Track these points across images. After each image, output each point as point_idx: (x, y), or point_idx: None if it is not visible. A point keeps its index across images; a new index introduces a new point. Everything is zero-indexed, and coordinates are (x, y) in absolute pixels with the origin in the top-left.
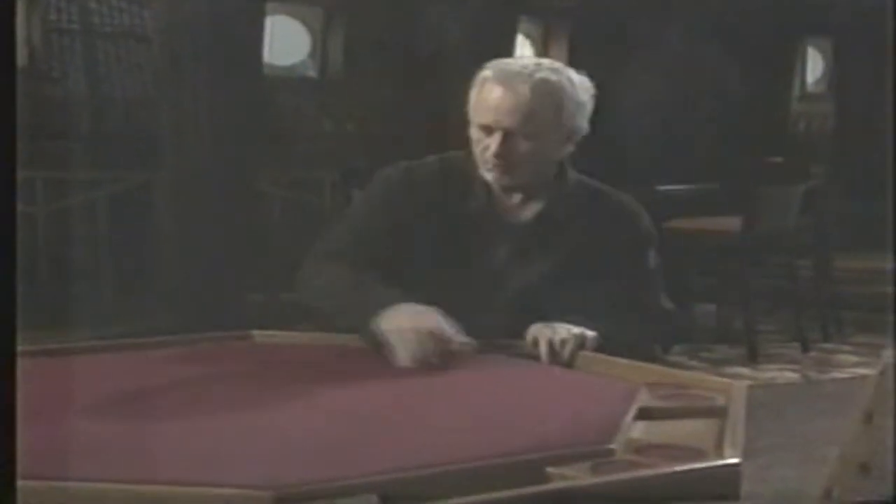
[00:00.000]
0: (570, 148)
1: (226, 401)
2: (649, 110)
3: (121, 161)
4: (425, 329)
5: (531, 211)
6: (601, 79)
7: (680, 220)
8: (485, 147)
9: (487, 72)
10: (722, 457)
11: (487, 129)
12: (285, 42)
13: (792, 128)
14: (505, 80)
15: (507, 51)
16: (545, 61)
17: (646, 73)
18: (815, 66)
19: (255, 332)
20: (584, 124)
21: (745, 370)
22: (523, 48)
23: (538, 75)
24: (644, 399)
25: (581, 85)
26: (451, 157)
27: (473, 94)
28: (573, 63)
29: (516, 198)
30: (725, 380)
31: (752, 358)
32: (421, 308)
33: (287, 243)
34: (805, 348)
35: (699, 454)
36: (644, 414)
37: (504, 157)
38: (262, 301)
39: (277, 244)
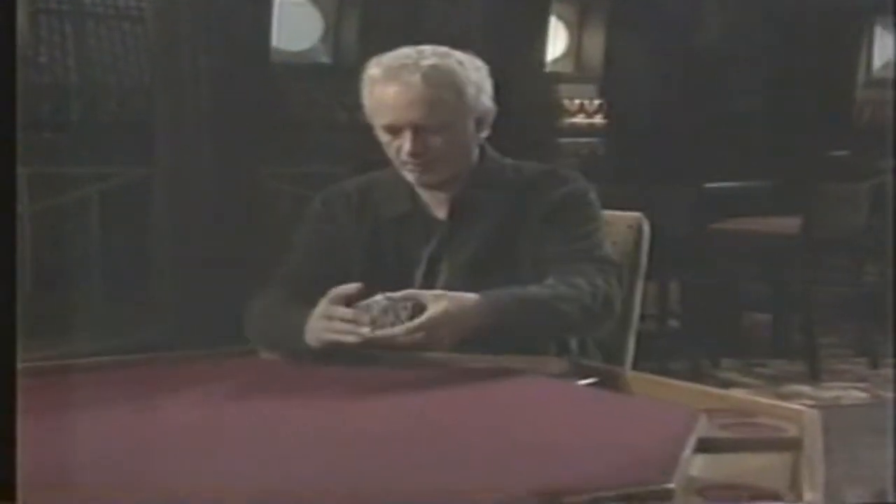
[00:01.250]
0: (485, 132)
1: (229, 428)
2: (695, 100)
3: (114, 155)
4: (328, 305)
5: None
6: (642, 66)
7: (732, 220)
8: (397, 148)
9: (373, 70)
10: (800, 499)
11: (393, 129)
12: (295, 25)
13: (857, 118)
14: (393, 75)
15: (538, 35)
16: (427, 48)
17: (692, 59)
18: (882, 48)
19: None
20: (489, 104)
21: (805, 388)
22: (556, 32)
23: (425, 63)
24: (703, 428)
25: (472, 65)
26: (378, 172)
27: (365, 96)
28: (611, 50)
29: (441, 193)
30: (797, 406)
31: (814, 375)
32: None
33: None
34: (874, 364)
35: (772, 496)
36: (704, 446)
37: (420, 154)
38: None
39: (286, 246)
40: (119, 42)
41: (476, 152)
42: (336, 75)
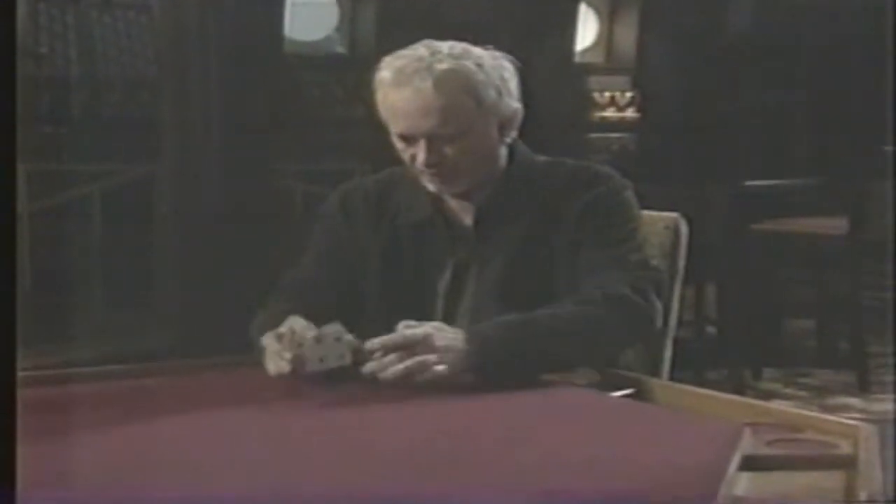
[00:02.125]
0: (512, 133)
1: (238, 443)
2: (734, 91)
3: (117, 151)
4: (277, 333)
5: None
6: (676, 56)
7: (773, 220)
8: (412, 157)
9: (384, 73)
10: None
11: (406, 138)
12: (309, 13)
13: None
14: (403, 79)
15: (567, 23)
16: (443, 46)
17: (730, 48)
18: None
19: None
20: (514, 105)
21: (853, 401)
22: (585, 20)
23: (439, 67)
24: (748, 444)
25: (493, 63)
26: (400, 169)
27: (378, 99)
28: (644, 39)
29: (466, 201)
30: (851, 422)
31: (863, 386)
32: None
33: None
34: None
35: None
36: (749, 463)
37: (436, 164)
38: None
39: (299, 249)
40: (123, 32)
41: (504, 154)
42: (352, 66)
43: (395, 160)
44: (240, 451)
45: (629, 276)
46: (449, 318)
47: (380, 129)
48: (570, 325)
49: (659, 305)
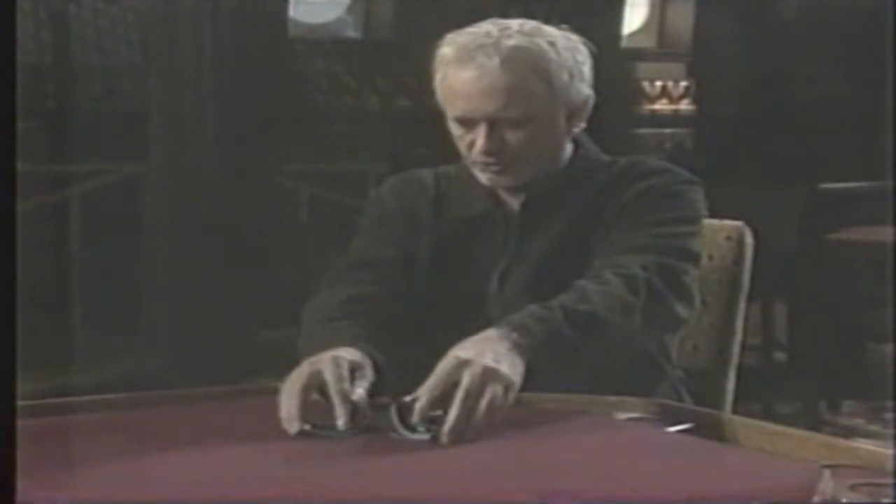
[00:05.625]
0: (581, 124)
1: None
2: (807, 81)
3: (99, 149)
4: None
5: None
6: (740, 41)
7: (854, 229)
8: (469, 144)
9: (446, 50)
10: None
11: (465, 122)
12: None
13: None
14: (467, 57)
15: (613, 2)
16: (513, 24)
17: (803, 30)
18: None
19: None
20: (586, 92)
21: None
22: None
23: (507, 43)
24: (827, 489)
25: (567, 44)
26: (457, 166)
27: (436, 80)
28: (702, 21)
29: (523, 196)
30: None
31: None
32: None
33: (318, 258)
34: None
35: None
36: None
37: (495, 153)
38: (285, 338)
39: (305, 259)
40: (104, 12)
41: (568, 148)
42: (366, 53)
43: (416, 160)
44: (245, 486)
45: (648, 258)
46: (497, 318)
47: (397, 123)
48: (595, 306)
49: (690, 292)
